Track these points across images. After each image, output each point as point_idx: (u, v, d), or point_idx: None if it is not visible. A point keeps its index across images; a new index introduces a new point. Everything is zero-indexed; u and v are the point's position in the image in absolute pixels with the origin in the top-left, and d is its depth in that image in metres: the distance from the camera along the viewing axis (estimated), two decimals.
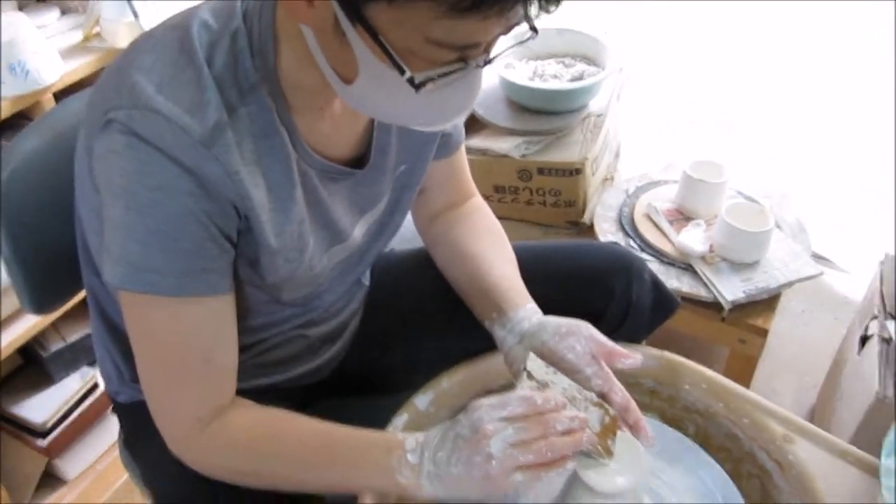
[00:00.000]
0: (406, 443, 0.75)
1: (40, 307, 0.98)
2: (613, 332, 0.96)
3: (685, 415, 1.00)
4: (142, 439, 0.94)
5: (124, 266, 0.71)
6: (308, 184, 0.79)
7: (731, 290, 1.48)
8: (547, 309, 0.91)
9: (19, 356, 1.56)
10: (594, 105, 1.75)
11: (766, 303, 1.52)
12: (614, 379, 0.83)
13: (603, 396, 0.82)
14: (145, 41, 0.73)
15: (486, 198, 1.73)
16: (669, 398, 1.01)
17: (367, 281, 1.06)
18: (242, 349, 0.86)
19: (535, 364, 0.81)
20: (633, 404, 0.82)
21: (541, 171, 1.68)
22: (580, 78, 1.72)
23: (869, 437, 1.14)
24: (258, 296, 0.85)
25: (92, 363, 1.55)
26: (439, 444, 0.73)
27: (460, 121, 0.69)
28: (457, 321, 0.98)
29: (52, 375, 1.51)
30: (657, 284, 1.03)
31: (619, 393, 0.82)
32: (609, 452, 0.77)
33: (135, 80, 0.68)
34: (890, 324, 1.21)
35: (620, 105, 1.84)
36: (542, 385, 0.79)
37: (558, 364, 0.83)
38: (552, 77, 1.73)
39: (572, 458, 0.73)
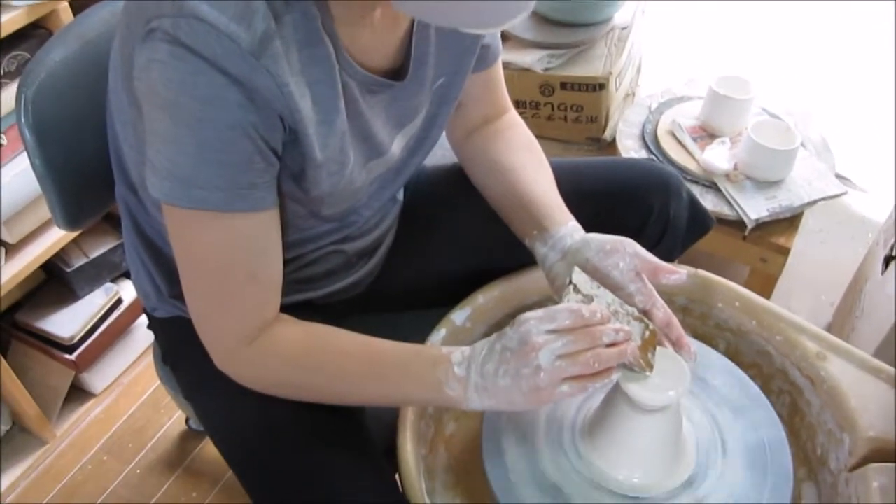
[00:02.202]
0: (452, 356, 0.76)
1: (74, 223, 0.97)
2: (651, 250, 0.96)
3: (717, 332, 1.02)
4: (182, 355, 0.95)
5: (172, 180, 0.70)
6: (349, 95, 0.78)
7: (754, 208, 1.47)
8: (584, 227, 0.91)
9: (42, 272, 1.56)
10: (619, 18, 1.71)
11: (789, 221, 1.52)
12: (657, 296, 0.83)
13: (645, 313, 0.82)
14: None
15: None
16: (702, 315, 1.02)
17: (401, 196, 1.05)
18: None
19: (580, 277, 0.81)
20: (675, 320, 0.83)
21: (564, 85, 1.65)
22: None
23: (891, 356, 1.16)
24: (298, 210, 0.84)
25: (115, 278, 1.55)
26: (486, 356, 0.74)
27: (517, 21, 0.65)
28: (492, 237, 0.98)
29: (76, 291, 1.52)
30: (693, 202, 1.03)
31: (662, 309, 0.83)
32: (650, 365, 0.78)
33: None
34: None
35: (645, 18, 1.79)
36: (588, 298, 0.80)
37: (602, 281, 0.83)
38: None
39: (616, 370, 0.74)
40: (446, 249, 1.05)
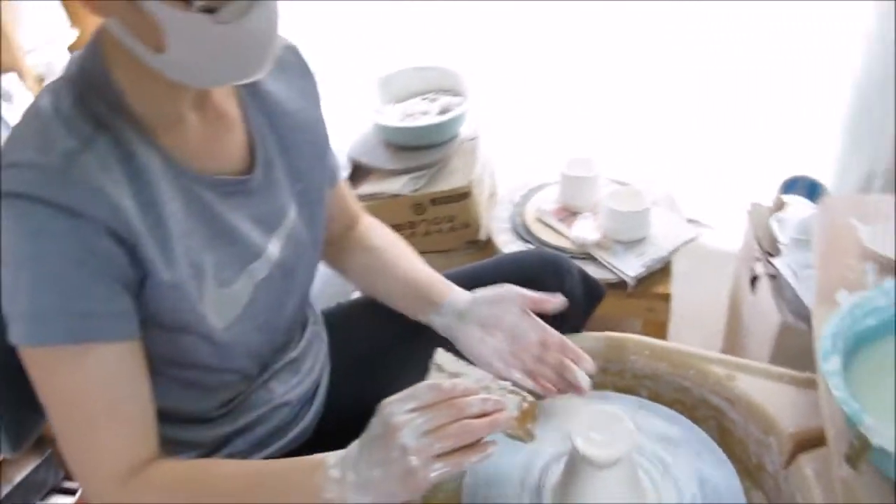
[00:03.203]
0: (327, 459, 0.75)
1: (18, 444, 0.96)
2: (558, 327, 1.07)
3: (635, 382, 1.12)
4: None
5: (18, 322, 0.73)
6: (201, 202, 0.82)
7: (630, 266, 1.63)
8: None
9: None
10: (465, 131, 1.88)
11: (661, 271, 1.68)
12: (547, 326, 0.96)
13: (542, 342, 0.94)
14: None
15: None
16: (619, 372, 1.12)
17: (324, 336, 1.12)
18: (231, 435, 0.90)
19: (444, 357, 0.86)
20: (570, 342, 0.94)
21: (433, 201, 1.78)
22: (447, 109, 1.84)
23: (782, 360, 1.30)
24: (208, 353, 0.87)
25: (45, 495, 1.49)
26: (358, 453, 0.74)
27: (260, 75, 0.78)
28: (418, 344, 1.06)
29: None
30: (584, 275, 1.15)
31: (555, 336, 0.94)
32: (530, 435, 0.81)
33: None
34: (777, 260, 1.38)
35: (487, 125, 1.97)
36: (453, 376, 0.83)
37: (497, 325, 0.95)
38: (422, 114, 1.84)
39: (494, 443, 0.74)
40: (380, 374, 1.10)
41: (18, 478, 1.44)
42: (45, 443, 1.46)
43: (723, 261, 2.08)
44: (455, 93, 1.90)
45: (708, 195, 2.06)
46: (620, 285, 1.63)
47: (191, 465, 0.82)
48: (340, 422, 1.08)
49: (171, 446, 0.89)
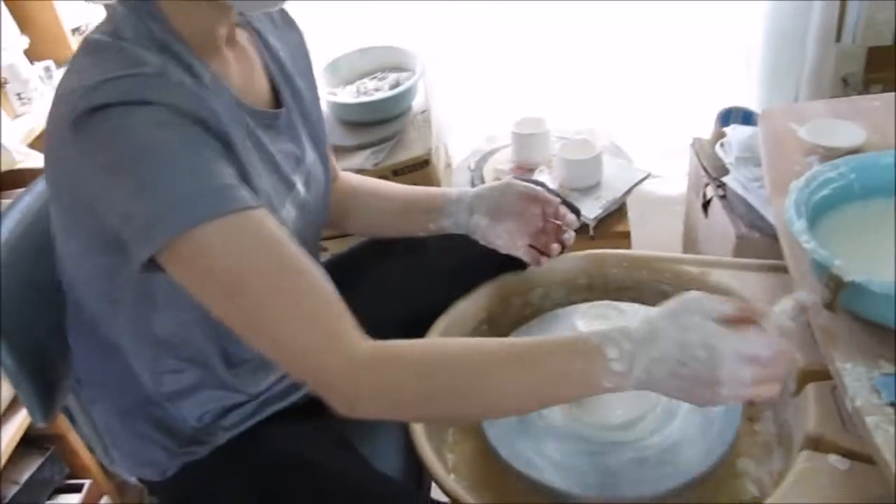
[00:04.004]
0: (606, 351, 0.72)
1: (49, 412, 0.99)
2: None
3: (620, 294, 1.21)
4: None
5: (162, 218, 0.69)
6: (248, 126, 0.85)
7: (589, 210, 1.73)
8: (478, 258, 1.11)
9: None
10: (416, 104, 1.95)
11: (618, 212, 1.78)
12: (546, 197, 1.07)
13: (543, 214, 1.08)
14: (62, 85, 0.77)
15: None
16: (603, 286, 1.21)
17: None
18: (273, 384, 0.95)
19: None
20: (562, 207, 1.07)
21: (395, 172, 1.84)
22: (398, 84, 1.91)
23: None
24: None
25: (52, 494, 1.50)
26: (658, 356, 0.71)
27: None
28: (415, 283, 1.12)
29: None
30: (562, 198, 1.22)
31: (553, 203, 1.07)
32: None
33: (71, 87, 0.73)
34: (726, 178, 1.50)
35: (435, 98, 2.05)
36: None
37: (506, 210, 1.06)
38: (374, 91, 1.90)
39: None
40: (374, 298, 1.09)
41: (24, 478, 1.44)
42: (47, 440, 1.47)
43: (669, 203, 2.21)
44: (403, 69, 1.97)
45: (649, 142, 2.18)
46: (583, 229, 1.72)
47: (440, 343, 0.80)
48: None
49: (218, 391, 0.93)
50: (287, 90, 0.97)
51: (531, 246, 1.09)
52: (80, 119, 0.70)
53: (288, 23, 1.04)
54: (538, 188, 1.08)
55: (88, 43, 0.79)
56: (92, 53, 0.77)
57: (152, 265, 0.73)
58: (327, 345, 0.72)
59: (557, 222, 1.08)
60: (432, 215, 1.10)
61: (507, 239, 1.08)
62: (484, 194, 1.08)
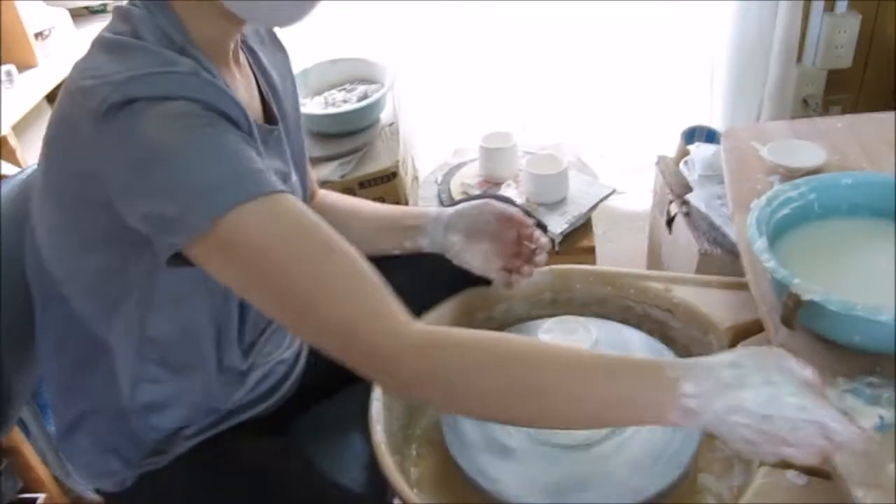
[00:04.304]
0: (683, 386, 0.70)
1: (4, 426, 0.97)
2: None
3: (584, 309, 1.21)
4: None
5: (198, 204, 0.68)
6: (250, 140, 0.84)
7: (555, 225, 1.74)
8: (445, 275, 1.11)
9: None
10: (384, 117, 1.95)
11: (583, 228, 1.80)
12: (521, 219, 1.08)
13: (519, 238, 1.08)
14: (72, 83, 0.75)
15: None
16: (568, 300, 1.22)
17: None
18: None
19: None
20: (537, 230, 1.08)
21: (362, 184, 1.84)
22: (366, 96, 1.90)
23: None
24: None
25: None
26: (739, 405, 0.68)
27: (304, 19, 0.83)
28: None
29: None
30: (526, 212, 1.24)
31: (528, 227, 1.08)
32: None
33: (92, 82, 0.71)
34: (690, 196, 1.52)
35: (403, 111, 2.05)
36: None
37: (482, 231, 1.07)
38: (343, 102, 1.90)
39: None
40: None
41: None
42: (0, 454, 1.43)
43: (633, 219, 2.24)
44: (371, 80, 1.97)
45: (614, 159, 2.20)
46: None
47: (496, 334, 0.76)
48: (319, 379, 1.12)
49: (188, 409, 0.92)
50: (277, 109, 0.97)
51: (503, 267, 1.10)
52: (109, 112, 0.69)
53: (276, 43, 1.05)
54: (514, 209, 1.09)
55: (105, 41, 0.77)
56: (113, 51, 0.75)
57: (178, 260, 0.72)
58: (378, 324, 0.71)
59: (532, 246, 1.09)
60: (409, 233, 1.10)
61: (481, 260, 1.08)
62: (462, 212, 1.08)
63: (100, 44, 0.78)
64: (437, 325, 0.74)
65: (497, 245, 1.08)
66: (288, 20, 0.83)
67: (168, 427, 0.92)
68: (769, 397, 0.68)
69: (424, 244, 1.10)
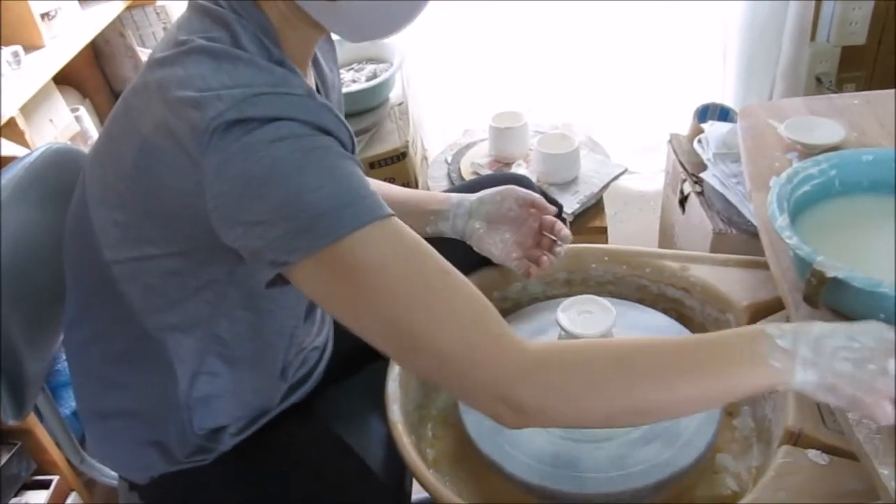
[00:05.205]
0: (769, 330, 0.71)
1: (21, 410, 0.96)
2: None
3: (600, 288, 1.21)
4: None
5: (316, 226, 0.67)
6: None
7: (567, 204, 1.72)
8: (455, 254, 1.08)
9: None
10: (393, 97, 1.93)
11: (595, 207, 1.78)
12: (545, 206, 1.08)
13: (540, 228, 1.08)
14: (164, 81, 0.72)
15: None
16: (583, 280, 1.21)
17: None
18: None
19: None
20: (558, 222, 1.08)
21: (372, 165, 1.83)
22: (375, 76, 1.89)
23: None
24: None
25: (19, 491, 1.46)
26: (823, 336, 0.69)
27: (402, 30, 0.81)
28: None
29: None
30: (542, 192, 1.23)
31: (549, 219, 1.08)
32: None
33: (197, 96, 0.68)
34: (704, 174, 1.50)
35: (412, 91, 2.04)
36: None
37: (504, 219, 1.06)
38: (351, 82, 1.88)
39: None
40: None
41: None
42: (14, 435, 1.43)
43: (644, 199, 2.22)
44: (380, 60, 1.96)
45: (626, 138, 2.19)
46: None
47: (586, 343, 0.77)
48: (342, 365, 1.11)
49: (238, 403, 0.92)
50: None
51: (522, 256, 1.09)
52: (221, 129, 0.67)
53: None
54: (537, 195, 1.09)
55: (206, 48, 0.72)
56: (218, 60, 0.72)
57: (277, 280, 0.72)
58: (495, 349, 0.69)
59: (552, 237, 1.08)
60: (431, 218, 1.09)
61: (501, 248, 1.08)
62: (485, 199, 1.08)
63: (195, 50, 0.73)
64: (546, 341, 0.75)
65: (518, 233, 1.08)
66: (384, 33, 0.81)
67: (214, 423, 0.90)
68: (847, 332, 0.70)
69: (446, 229, 1.09)
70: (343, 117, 0.86)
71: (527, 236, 1.09)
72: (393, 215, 0.71)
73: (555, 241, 1.09)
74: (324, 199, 0.67)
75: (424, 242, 0.72)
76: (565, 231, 1.08)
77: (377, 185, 1.14)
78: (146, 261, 0.79)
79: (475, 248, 1.09)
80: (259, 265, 0.72)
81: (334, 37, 1.59)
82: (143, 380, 0.88)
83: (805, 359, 0.69)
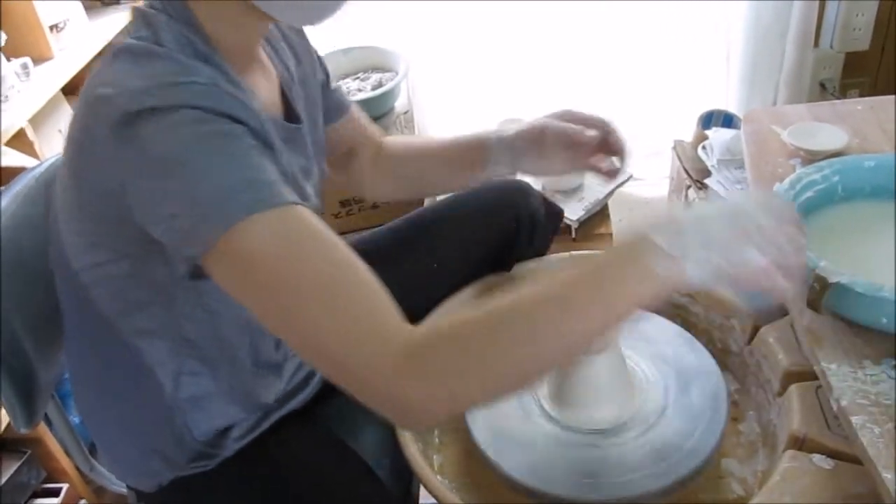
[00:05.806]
0: (650, 236, 0.69)
1: (32, 419, 0.97)
2: (527, 247, 1.18)
3: None
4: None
5: (211, 212, 0.66)
6: (274, 143, 0.81)
7: (572, 211, 1.74)
8: (472, 232, 1.13)
9: None
10: (399, 105, 1.95)
11: (600, 214, 1.80)
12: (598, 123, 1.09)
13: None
14: (90, 91, 0.73)
15: (335, 215, 1.88)
16: None
17: None
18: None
19: None
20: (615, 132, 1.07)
21: None
22: (380, 85, 1.90)
23: None
24: None
25: (28, 500, 1.47)
26: (699, 228, 0.69)
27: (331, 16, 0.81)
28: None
29: None
30: (544, 198, 1.24)
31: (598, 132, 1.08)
32: None
33: (113, 90, 0.69)
34: (708, 180, 1.51)
35: (418, 99, 2.05)
36: None
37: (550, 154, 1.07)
38: (357, 91, 1.90)
39: None
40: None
41: (0, 481, 1.41)
42: (24, 444, 1.44)
43: (651, 207, 2.22)
44: (385, 69, 1.97)
45: (630, 144, 2.18)
46: (565, 230, 1.73)
47: (461, 319, 0.69)
48: None
49: (229, 403, 0.92)
50: (299, 100, 0.95)
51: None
52: (125, 122, 0.68)
53: (292, 28, 1.01)
54: (570, 127, 1.07)
55: (129, 47, 0.74)
56: (134, 59, 0.73)
57: (197, 270, 0.71)
58: (380, 347, 0.66)
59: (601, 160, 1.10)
60: (476, 166, 1.09)
61: (559, 166, 1.09)
62: (523, 136, 1.07)
63: (121, 51, 0.75)
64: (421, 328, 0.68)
65: (571, 153, 1.08)
66: (318, 17, 0.81)
67: (213, 427, 0.91)
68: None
69: (495, 172, 1.08)
70: (300, 110, 0.90)
71: (581, 153, 1.09)
72: (296, 203, 0.69)
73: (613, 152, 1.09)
74: (218, 186, 0.66)
75: (327, 232, 0.70)
76: (621, 141, 1.08)
77: (418, 145, 1.18)
78: (102, 267, 0.80)
79: (531, 175, 1.12)
80: (177, 260, 0.72)
81: (337, 44, 1.61)
82: (131, 385, 0.89)
83: (689, 258, 0.68)
